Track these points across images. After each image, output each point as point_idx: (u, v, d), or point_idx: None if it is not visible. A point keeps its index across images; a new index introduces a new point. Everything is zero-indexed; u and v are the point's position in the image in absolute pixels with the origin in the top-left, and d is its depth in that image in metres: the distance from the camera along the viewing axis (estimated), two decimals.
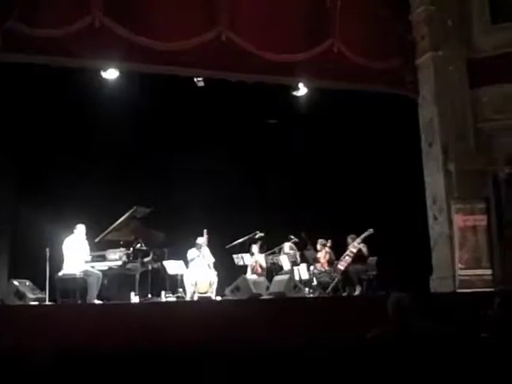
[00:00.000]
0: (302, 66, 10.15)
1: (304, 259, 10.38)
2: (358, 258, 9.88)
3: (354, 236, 10.00)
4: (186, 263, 9.89)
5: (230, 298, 9.31)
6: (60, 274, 8.79)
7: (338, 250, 10.23)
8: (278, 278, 10.00)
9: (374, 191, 11.13)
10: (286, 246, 10.51)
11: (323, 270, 10.27)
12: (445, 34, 10.61)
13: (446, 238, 10.18)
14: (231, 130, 11.24)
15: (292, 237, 10.54)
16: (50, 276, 8.67)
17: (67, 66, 9.36)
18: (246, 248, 10.52)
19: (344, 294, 9.74)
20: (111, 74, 9.98)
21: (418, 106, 10.88)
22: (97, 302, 8.58)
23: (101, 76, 9.95)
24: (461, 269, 9.80)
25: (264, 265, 10.58)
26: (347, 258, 9.89)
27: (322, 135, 11.55)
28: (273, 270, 10.48)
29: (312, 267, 10.32)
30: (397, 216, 10.63)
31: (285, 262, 10.32)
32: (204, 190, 10.94)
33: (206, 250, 10.00)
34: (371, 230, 9.83)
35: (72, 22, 8.98)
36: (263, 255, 10.62)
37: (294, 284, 9.62)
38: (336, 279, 9.90)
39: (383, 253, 9.96)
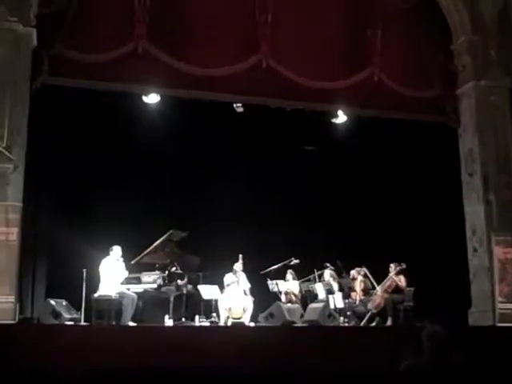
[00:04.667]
0: (341, 93, 10.17)
1: (340, 288, 10.32)
2: (395, 287, 9.85)
3: (396, 264, 9.91)
4: (221, 288, 9.90)
5: (264, 324, 9.33)
6: (96, 295, 8.87)
7: (376, 278, 10.17)
8: (312, 305, 9.99)
9: (414, 220, 11.09)
10: (327, 273, 10.45)
11: (358, 299, 10.21)
12: (487, 64, 10.52)
13: (485, 271, 9.99)
14: (269, 155, 11.30)
15: (328, 264, 10.50)
16: (86, 297, 8.71)
17: (110, 89, 9.55)
18: (280, 274, 10.50)
19: (379, 324, 9.65)
20: (152, 98, 10.19)
21: (459, 136, 10.77)
22: (131, 323, 8.62)
23: (142, 100, 10.19)
24: (501, 302, 9.62)
25: (298, 292, 10.54)
26: (383, 291, 9.86)
27: (360, 163, 11.55)
28: (308, 297, 10.49)
29: (347, 296, 10.30)
30: (436, 247, 10.59)
31: (320, 290, 10.27)
32: (240, 216, 10.99)
33: (242, 276, 10.02)
34: (404, 265, 9.80)
35: (116, 48, 9.20)
36: (298, 282, 10.59)
37: (328, 313, 9.61)
38: (371, 312, 9.80)
39: (421, 284, 9.90)
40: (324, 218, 11.52)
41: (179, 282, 9.41)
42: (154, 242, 9.32)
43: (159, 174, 10.95)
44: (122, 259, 9.26)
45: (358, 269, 10.36)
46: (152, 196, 10.81)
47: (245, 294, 9.90)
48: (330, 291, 10.19)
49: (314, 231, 11.33)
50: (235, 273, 9.98)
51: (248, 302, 9.74)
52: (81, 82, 9.25)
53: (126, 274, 9.20)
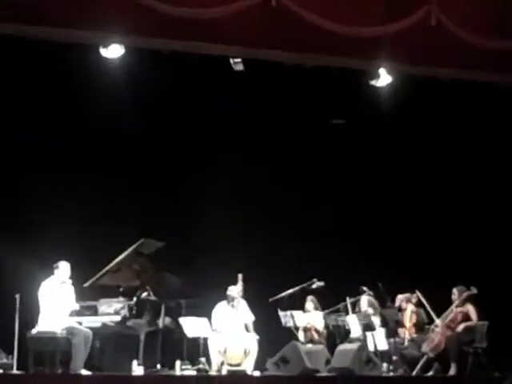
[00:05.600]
0: (385, 43, 9.62)
1: (382, 321, 10.32)
2: (462, 321, 9.90)
3: (461, 289, 9.93)
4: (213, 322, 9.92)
5: (274, 373, 9.45)
6: (34, 331, 8.83)
7: (433, 308, 10.18)
8: (343, 347, 10.00)
9: (486, 226, 11.32)
10: (364, 300, 10.44)
11: (409, 338, 10.23)
12: None
13: None
14: (279, 132, 11.36)
15: (365, 288, 10.42)
16: (19, 334, 8.81)
17: (54, 39, 9.10)
18: (298, 302, 10.52)
19: (438, 374, 9.73)
20: (114, 51, 9.73)
21: None
22: (84, 372, 8.62)
23: (99, 54, 9.72)
24: None
25: (323, 328, 10.51)
26: (444, 327, 9.85)
27: (410, 144, 11.65)
28: (336, 335, 10.42)
29: (392, 334, 10.30)
30: None
31: (354, 324, 10.18)
32: (240, 218, 11.14)
33: (241, 305, 10.04)
34: (474, 290, 9.91)
35: None
36: (322, 314, 10.55)
37: (366, 357, 9.62)
38: (427, 356, 9.80)
39: (497, 316, 9.98)
40: (358, 221, 11.68)
41: (152, 312, 9.46)
42: (118, 255, 9.39)
43: (125, 157, 11.01)
44: (70, 281, 9.19)
45: (407, 295, 10.40)
46: (115, 188, 10.88)
47: (246, 330, 9.93)
48: (368, 326, 10.13)
49: (343, 241, 11.45)
50: (232, 300, 9.98)
51: (251, 342, 9.72)
52: (11, 27, 8.70)
53: (76, 304, 9.20)
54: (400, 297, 10.50)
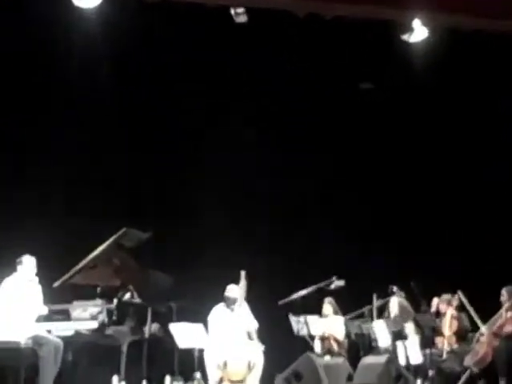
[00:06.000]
0: None
1: (416, 328, 10.28)
2: None
3: (509, 291, 9.86)
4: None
5: None
6: None
7: (479, 312, 10.05)
8: (368, 360, 9.96)
9: None
10: (394, 303, 10.37)
11: (448, 349, 10.11)
12: None
13: None
14: (293, 99, 11.32)
15: (395, 289, 10.38)
16: None
17: None
18: (313, 305, 10.45)
19: None
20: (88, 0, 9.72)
21: None
22: None
23: (72, 4, 9.61)
24: None
25: (343, 336, 10.45)
26: (490, 336, 9.71)
27: (451, 113, 11.62)
28: (360, 345, 10.40)
29: (429, 344, 10.15)
30: None
31: (381, 332, 10.14)
32: (242, 203, 11.20)
33: (243, 308, 9.92)
34: None
35: None
36: (343, 319, 10.51)
37: (396, 372, 9.54)
38: (470, 371, 9.68)
39: None
40: (384, 207, 11.67)
41: (137, 318, 9.19)
42: (95, 248, 9.07)
43: (105, 129, 10.98)
44: (37, 279, 8.96)
45: (447, 296, 10.33)
46: (93, 166, 10.93)
47: (249, 338, 9.84)
48: (398, 335, 10.14)
49: (367, 231, 11.48)
50: (232, 303, 9.91)
51: (256, 354, 9.61)
52: None
53: (44, 308, 8.95)
54: (438, 299, 10.44)
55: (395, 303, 10.38)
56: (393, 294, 10.41)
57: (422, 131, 11.83)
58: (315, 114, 11.60)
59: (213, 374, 9.50)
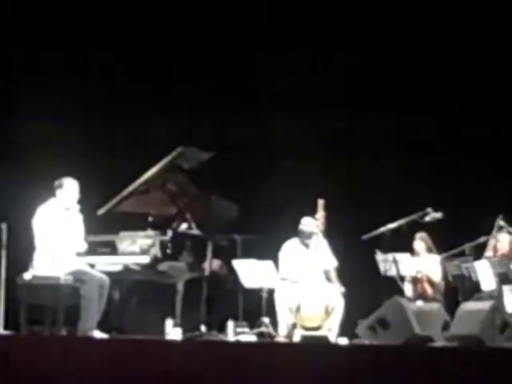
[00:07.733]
0: None
1: None
2: None
3: None
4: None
5: (368, 341, 9.04)
6: (27, 276, 8.54)
7: None
8: (468, 306, 9.39)
9: None
10: (504, 239, 9.71)
11: None
12: None
13: None
14: None
15: (502, 223, 9.62)
16: (7, 280, 8.79)
17: None
18: (404, 242, 9.95)
19: None
20: None
21: None
22: (98, 334, 8.36)
23: None
24: None
25: (439, 278, 9.93)
26: None
27: None
28: (459, 289, 9.78)
29: None
30: None
31: (486, 273, 9.42)
32: (320, 123, 10.77)
33: (321, 244, 9.54)
34: None
35: None
36: (439, 258, 9.94)
37: (502, 321, 8.93)
38: None
39: None
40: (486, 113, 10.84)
41: (195, 253, 9.09)
42: (146, 170, 8.96)
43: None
44: (78, 206, 8.76)
45: None
46: (139, 71, 10.78)
47: (328, 279, 9.55)
48: (506, 278, 9.39)
49: (470, 151, 10.82)
50: (308, 237, 9.55)
51: (335, 297, 9.33)
52: None
53: (83, 243, 8.85)
54: None
55: (505, 239, 9.67)
56: (501, 228, 9.65)
57: None
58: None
59: (284, 319, 9.26)
